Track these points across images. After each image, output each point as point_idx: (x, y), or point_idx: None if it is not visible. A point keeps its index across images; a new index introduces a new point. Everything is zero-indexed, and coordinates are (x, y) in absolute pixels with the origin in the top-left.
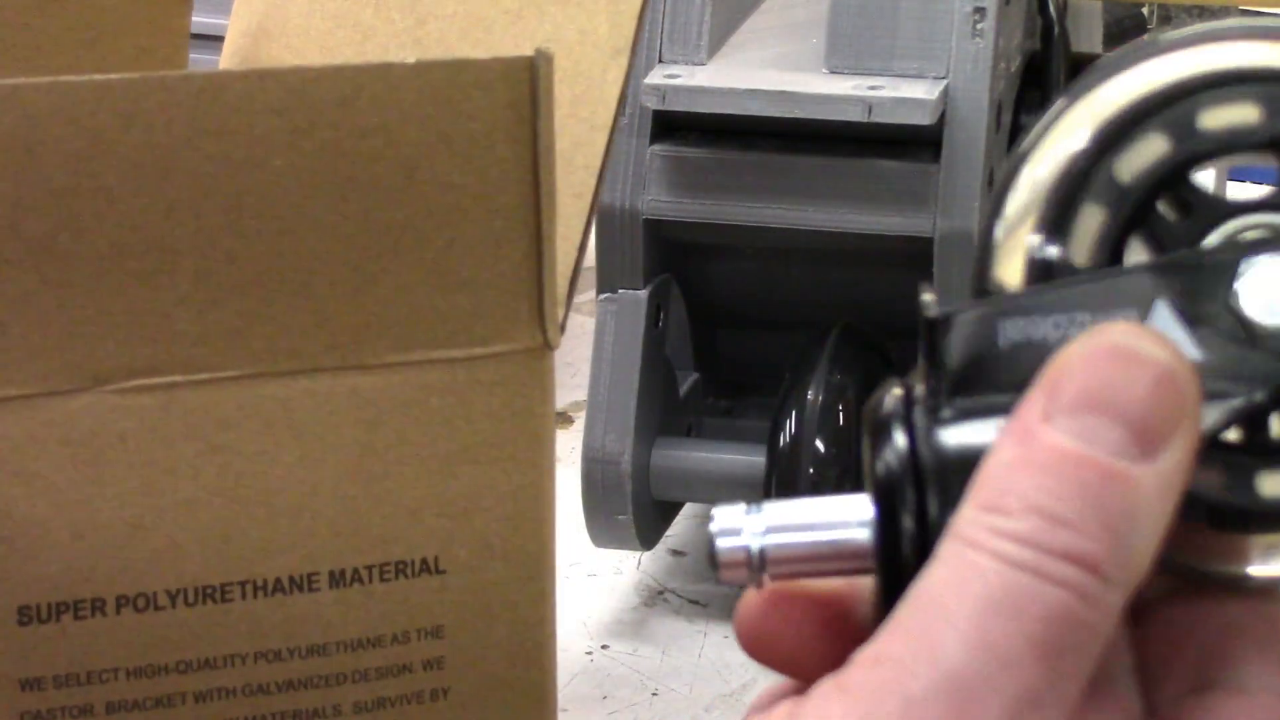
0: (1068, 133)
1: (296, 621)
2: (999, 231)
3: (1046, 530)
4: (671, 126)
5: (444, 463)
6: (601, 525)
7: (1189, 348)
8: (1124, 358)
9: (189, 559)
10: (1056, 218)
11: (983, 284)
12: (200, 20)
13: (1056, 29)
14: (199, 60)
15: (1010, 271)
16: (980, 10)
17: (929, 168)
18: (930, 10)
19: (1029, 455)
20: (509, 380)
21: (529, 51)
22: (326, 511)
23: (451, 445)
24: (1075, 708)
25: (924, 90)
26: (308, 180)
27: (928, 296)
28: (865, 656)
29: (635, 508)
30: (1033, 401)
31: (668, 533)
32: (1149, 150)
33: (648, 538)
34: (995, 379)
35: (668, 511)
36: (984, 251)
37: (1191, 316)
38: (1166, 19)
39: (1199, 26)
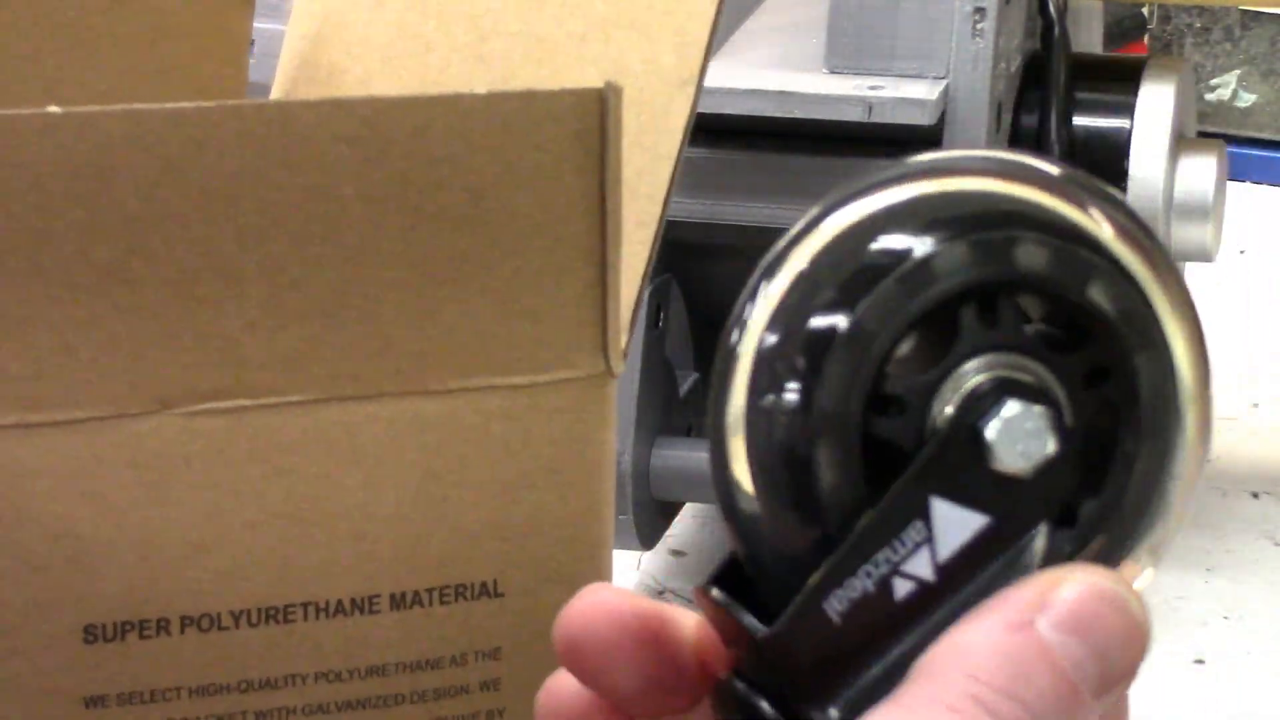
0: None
1: (357, 642)
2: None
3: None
4: None
5: (504, 488)
6: None
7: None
8: (1111, 601)
9: (252, 580)
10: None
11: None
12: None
13: (1056, 29)
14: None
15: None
16: (980, 10)
17: None
18: (930, 10)
19: (1020, 652)
20: (571, 407)
21: (594, 76)
22: (387, 535)
23: (512, 471)
24: None
25: (924, 90)
26: (376, 209)
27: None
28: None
29: (635, 508)
30: (1022, 600)
31: (668, 533)
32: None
33: (648, 538)
34: (851, 655)
35: (668, 511)
36: (718, 448)
37: (965, 497)
38: (1166, 19)
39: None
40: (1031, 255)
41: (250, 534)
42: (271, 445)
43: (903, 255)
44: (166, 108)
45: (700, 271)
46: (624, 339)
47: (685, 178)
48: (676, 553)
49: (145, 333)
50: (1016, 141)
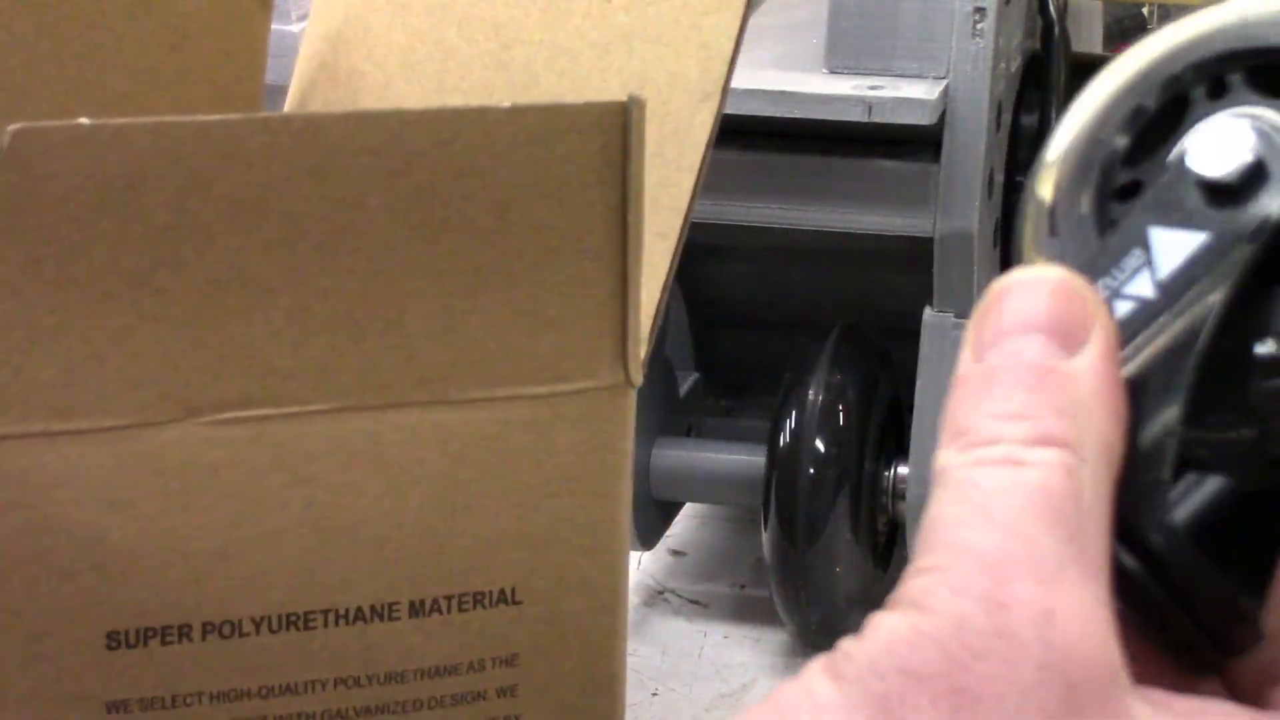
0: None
1: (376, 649)
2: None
3: (1009, 426)
4: None
5: (525, 496)
6: None
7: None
8: (1018, 287)
9: (274, 587)
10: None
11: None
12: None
13: (1056, 29)
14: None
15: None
16: (980, 10)
17: (929, 168)
18: (930, 10)
19: (972, 388)
20: (591, 416)
21: (617, 88)
22: (409, 543)
23: (533, 479)
24: (1103, 569)
25: (924, 90)
26: (402, 220)
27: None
28: (905, 576)
29: (635, 508)
30: (962, 354)
31: (668, 533)
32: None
33: (648, 538)
34: None
35: (668, 511)
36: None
37: (1179, 221)
38: (1166, 19)
39: None
40: None
41: (273, 542)
42: (295, 454)
43: None
44: (195, 121)
45: (700, 271)
46: (644, 349)
47: None
48: (676, 553)
49: (173, 342)
50: (1016, 141)
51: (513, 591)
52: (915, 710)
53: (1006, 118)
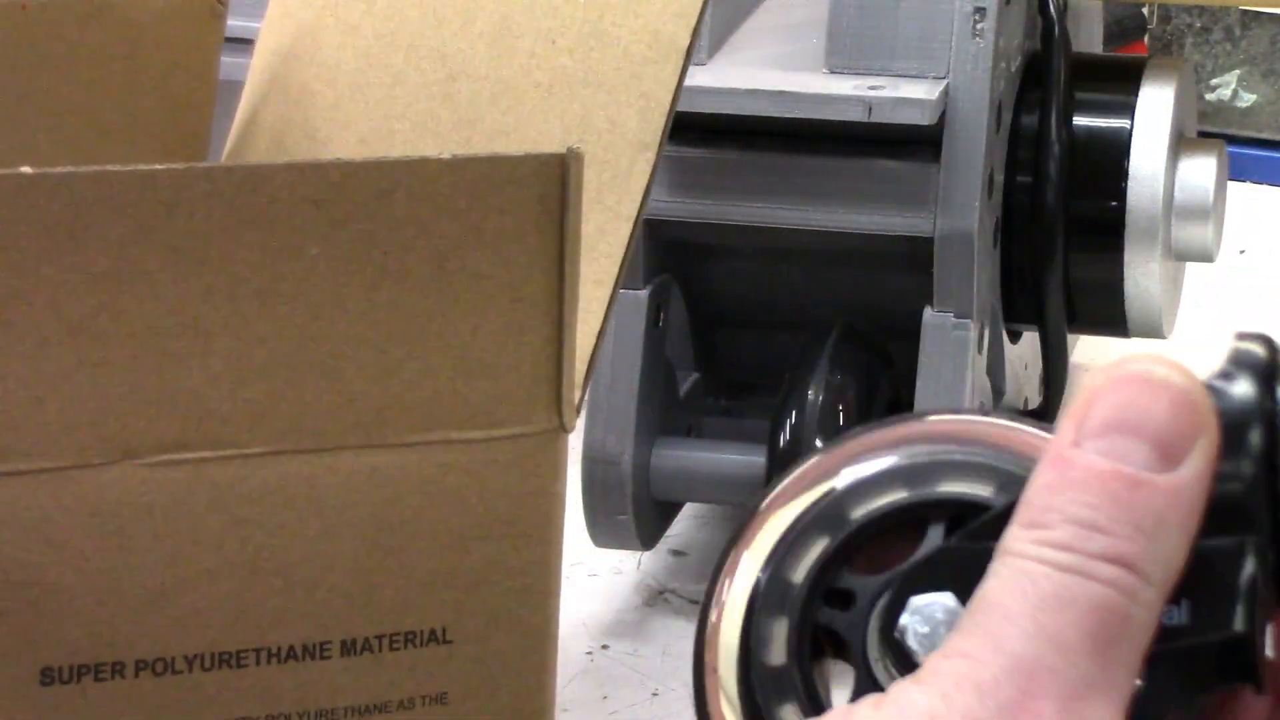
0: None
1: (307, 687)
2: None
3: (1085, 537)
4: (672, 126)
5: (457, 538)
6: (602, 525)
7: None
8: (1143, 382)
9: (208, 626)
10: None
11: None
12: (232, 24)
13: (1056, 29)
14: (231, 63)
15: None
16: (980, 10)
17: (929, 168)
18: (930, 10)
19: (1063, 476)
20: (524, 460)
21: (558, 130)
22: (342, 583)
23: (465, 521)
24: (1126, 697)
25: (924, 90)
26: (342, 269)
27: None
28: (937, 656)
29: (635, 508)
30: (1064, 431)
31: (668, 533)
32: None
33: (648, 538)
34: None
35: (668, 511)
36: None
37: None
38: (1166, 19)
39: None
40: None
41: (208, 581)
42: (231, 496)
43: None
44: (139, 170)
45: (700, 271)
46: (578, 395)
47: (685, 178)
48: (677, 553)
49: (111, 386)
50: (1016, 141)
51: (443, 631)
52: None
53: (1006, 118)
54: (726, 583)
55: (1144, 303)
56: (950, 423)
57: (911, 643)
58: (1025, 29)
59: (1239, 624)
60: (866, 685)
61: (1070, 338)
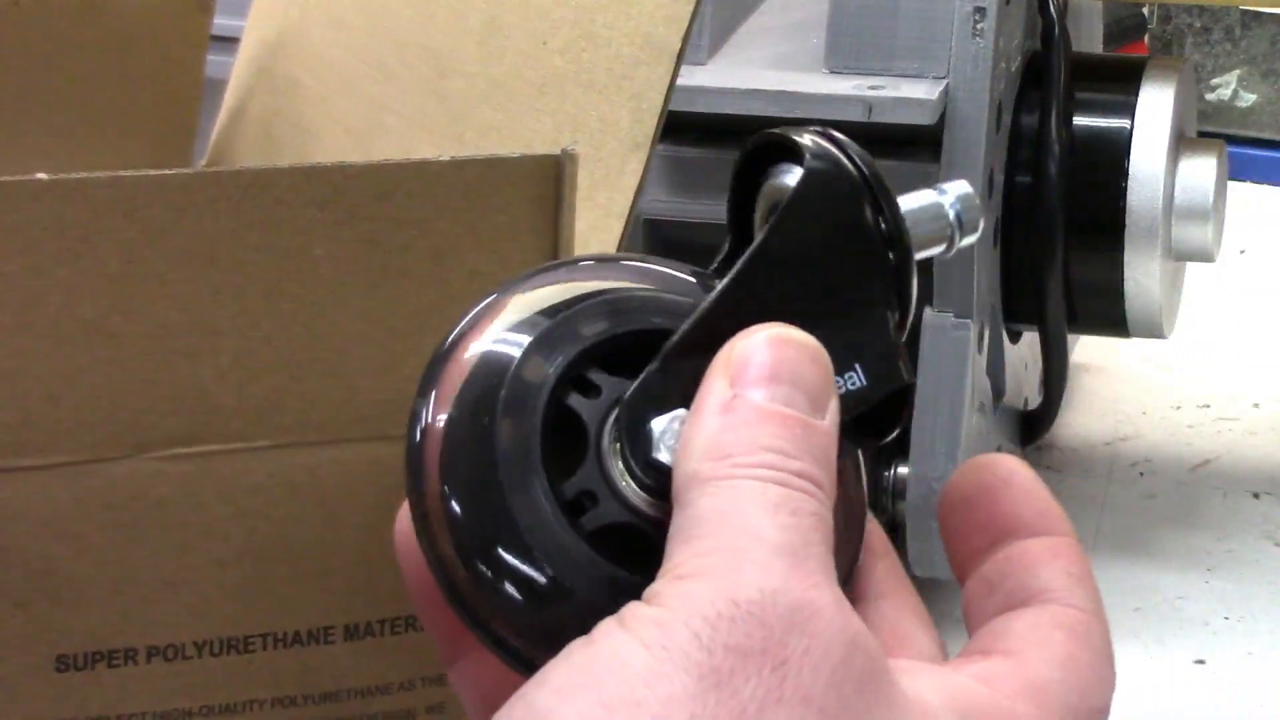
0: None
1: (312, 670)
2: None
3: (783, 461)
4: (671, 126)
5: None
6: None
7: None
8: (786, 343)
9: (216, 614)
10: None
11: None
12: (219, 22)
13: (1056, 29)
14: (216, 61)
15: None
16: (980, 10)
17: (929, 168)
18: (930, 10)
19: (737, 416)
20: None
21: (550, 129)
22: (345, 570)
23: None
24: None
25: (924, 90)
26: (344, 268)
27: None
28: (688, 555)
29: None
30: (715, 384)
31: None
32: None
33: None
34: None
35: None
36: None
37: None
38: (1166, 19)
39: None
40: None
41: (217, 571)
42: (239, 488)
43: None
44: (150, 175)
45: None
46: None
47: (685, 178)
48: None
49: (124, 383)
50: (1017, 141)
51: None
52: (745, 681)
53: (1006, 118)
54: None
55: (1144, 303)
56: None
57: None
58: (1025, 29)
59: (906, 376)
60: (594, 470)
61: (1070, 338)
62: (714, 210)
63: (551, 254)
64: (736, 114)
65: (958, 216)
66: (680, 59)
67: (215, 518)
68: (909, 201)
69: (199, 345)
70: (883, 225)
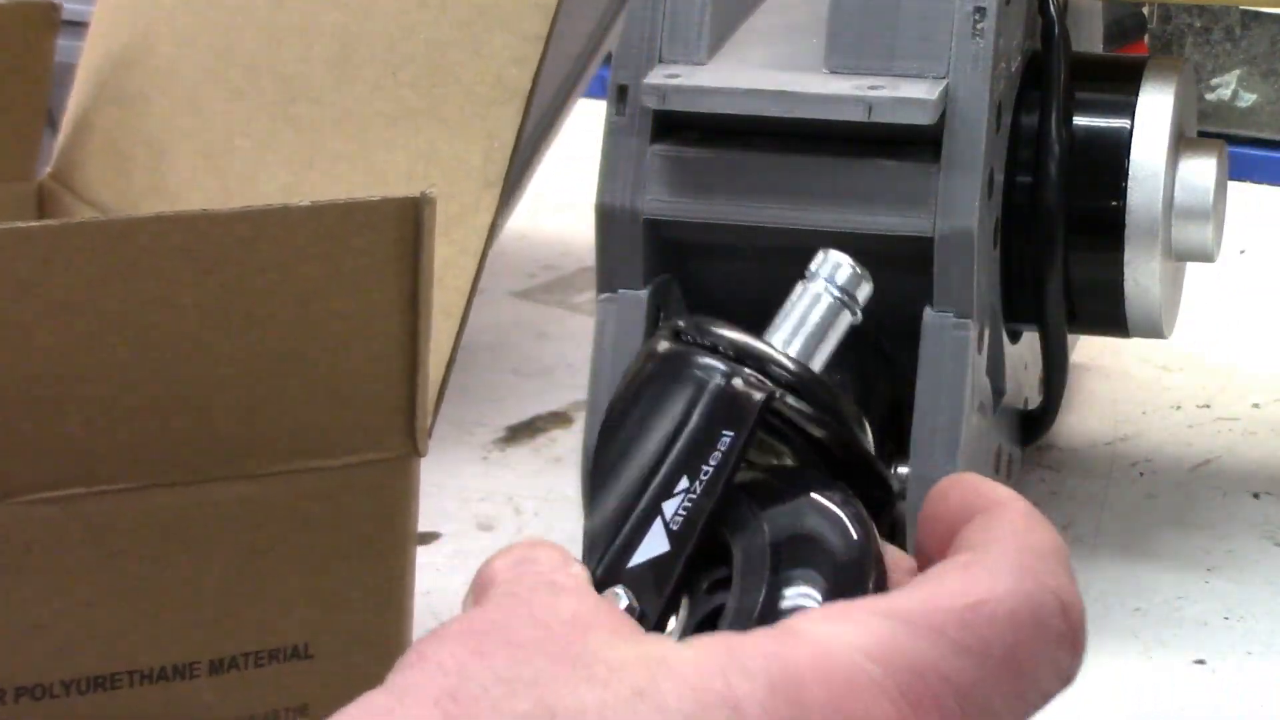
0: None
1: (177, 704)
2: None
3: None
4: (671, 126)
5: (319, 559)
6: None
7: None
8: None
9: (83, 654)
10: None
11: None
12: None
13: (1056, 29)
14: (66, 46)
15: None
16: (980, 10)
17: (929, 168)
18: (930, 10)
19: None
20: (380, 484)
21: (403, 163)
22: (209, 607)
23: (326, 543)
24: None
25: (924, 90)
26: (209, 314)
27: None
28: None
29: None
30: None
31: None
32: None
33: None
34: None
35: None
36: None
37: None
38: (1166, 19)
39: None
40: None
41: (84, 611)
42: (104, 529)
43: None
44: (17, 227)
45: (700, 271)
46: (430, 420)
47: (685, 178)
48: None
49: None
50: (1016, 141)
51: (305, 647)
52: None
53: (1006, 118)
54: None
55: (1144, 303)
56: None
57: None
58: (1025, 29)
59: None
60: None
61: (1070, 338)
62: (714, 210)
63: (411, 294)
64: (736, 114)
65: (841, 290)
66: (531, 99)
67: (82, 559)
68: (788, 316)
69: (64, 392)
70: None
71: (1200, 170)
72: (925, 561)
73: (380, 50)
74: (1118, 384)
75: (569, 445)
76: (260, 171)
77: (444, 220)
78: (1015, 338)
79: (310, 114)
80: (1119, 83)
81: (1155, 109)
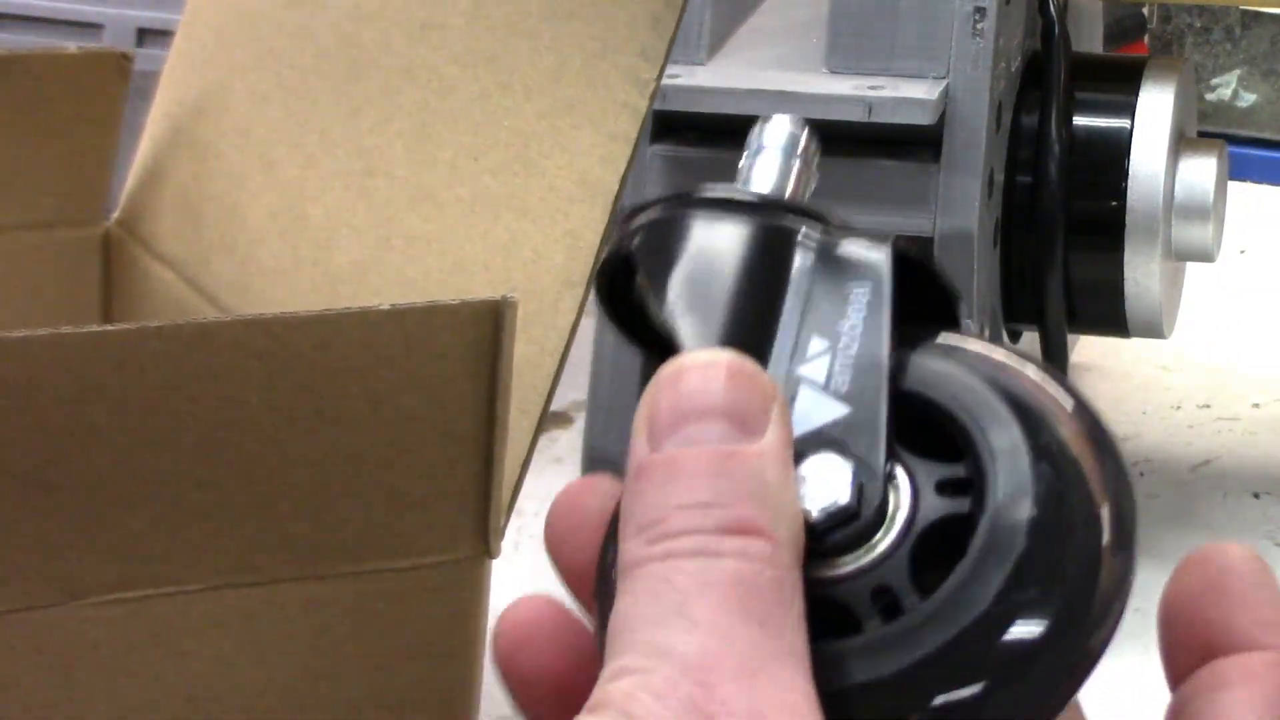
0: None
1: None
2: None
3: (701, 515)
4: (671, 126)
5: (386, 660)
6: None
7: None
8: (691, 371)
9: None
10: None
11: None
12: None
13: (1056, 29)
14: (147, 54)
15: None
16: (980, 10)
17: (929, 168)
18: (930, 10)
19: (649, 480)
20: (451, 585)
21: (482, 253)
22: (277, 707)
23: (395, 644)
24: (803, 654)
25: (924, 90)
26: (280, 416)
27: None
28: (602, 678)
29: None
30: (636, 444)
31: None
32: None
33: None
34: None
35: None
36: None
37: None
38: (1166, 19)
39: None
40: None
41: (150, 713)
42: (171, 630)
43: None
44: (93, 331)
45: None
46: (503, 520)
47: (685, 178)
48: None
49: (58, 532)
50: (1016, 141)
51: None
52: None
53: (1006, 118)
54: None
55: (1144, 303)
56: None
57: None
58: (1025, 29)
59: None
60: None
61: (1070, 338)
62: None
63: (488, 398)
64: (736, 114)
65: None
66: (618, 200)
67: (148, 660)
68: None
69: (134, 493)
70: None
71: (1200, 170)
72: (1168, 660)
73: (461, 130)
74: (1118, 384)
75: (569, 445)
76: (335, 241)
77: (523, 317)
78: (1015, 338)
79: (386, 189)
80: (1119, 83)
81: (1155, 109)
